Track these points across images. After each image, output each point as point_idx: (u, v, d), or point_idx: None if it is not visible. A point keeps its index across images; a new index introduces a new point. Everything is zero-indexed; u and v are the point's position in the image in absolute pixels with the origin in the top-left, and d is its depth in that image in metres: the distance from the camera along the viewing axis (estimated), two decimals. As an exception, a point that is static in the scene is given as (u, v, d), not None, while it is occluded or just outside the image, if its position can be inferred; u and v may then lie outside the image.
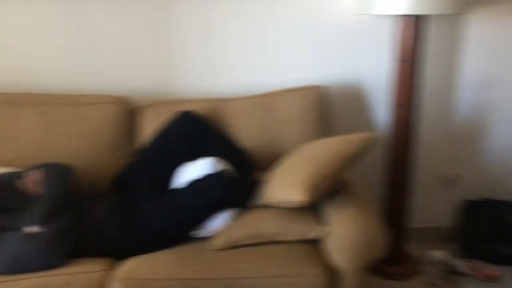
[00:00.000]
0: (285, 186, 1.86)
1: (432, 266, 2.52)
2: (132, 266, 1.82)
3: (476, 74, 2.55)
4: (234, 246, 1.87)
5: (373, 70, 2.51)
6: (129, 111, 2.30)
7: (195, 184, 1.94)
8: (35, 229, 1.81)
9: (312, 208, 1.94)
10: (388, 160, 2.42)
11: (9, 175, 2.06)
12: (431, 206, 2.75)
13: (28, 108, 2.24)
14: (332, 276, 1.76)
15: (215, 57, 2.47)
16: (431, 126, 2.62)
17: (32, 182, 1.99)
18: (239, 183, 2.02)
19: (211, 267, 1.77)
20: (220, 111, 2.30)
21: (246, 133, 2.27)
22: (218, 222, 1.95)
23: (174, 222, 1.93)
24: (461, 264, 2.48)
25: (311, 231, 1.86)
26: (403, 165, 2.37)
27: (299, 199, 1.77)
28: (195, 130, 2.15)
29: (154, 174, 2.15)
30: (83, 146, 2.23)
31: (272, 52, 2.47)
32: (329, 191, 1.88)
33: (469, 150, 2.67)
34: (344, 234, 1.77)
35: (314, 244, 1.89)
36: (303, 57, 2.48)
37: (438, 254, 2.57)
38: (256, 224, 1.90)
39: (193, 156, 2.13)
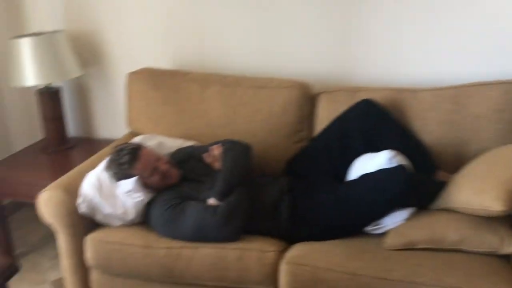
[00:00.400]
0: (477, 192, 1.68)
1: None
2: (300, 251, 1.82)
3: None
4: (410, 248, 1.75)
5: None
6: (309, 96, 2.28)
7: (374, 178, 1.86)
8: (215, 202, 1.91)
9: (508, 219, 1.72)
10: None
11: (198, 148, 2.21)
12: None
13: (214, 87, 2.36)
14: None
15: (401, 44, 2.32)
16: None
17: (214, 156, 2.11)
18: (422, 181, 1.88)
19: (384, 266, 1.69)
20: (402, 102, 2.16)
21: (429, 127, 2.10)
22: (393, 220, 1.84)
23: (348, 214, 1.88)
24: None
25: (508, 246, 1.65)
26: None
27: (497, 209, 1.58)
28: (374, 120, 2.05)
29: (327, 162, 2.12)
30: (261, 127, 2.29)
31: (466, 40, 2.23)
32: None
33: None
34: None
35: (504, 259, 1.68)
36: (502, 48, 2.20)
37: None
38: (439, 228, 1.75)
39: (369, 147, 2.04)
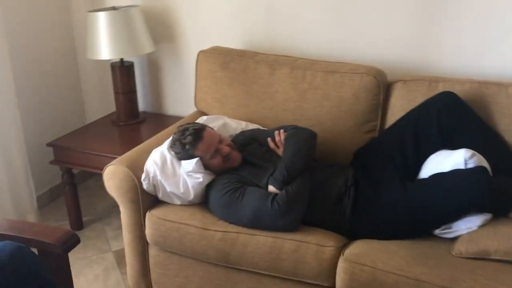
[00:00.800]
0: None
1: None
2: (361, 249, 1.72)
3: None
4: (483, 258, 1.60)
5: None
6: (383, 84, 2.15)
7: (449, 178, 1.72)
8: (274, 189, 1.85)
9: None
10: None
11: (262, 132, 2.16)
12: None
13: (283, 70, 2.28)
14: None
15: (491, 32, 2.11)
16: None
17: (278, 142, 2.05)
18: (502, 186, 1.72)
19: (450, 275, 1.56)
20: (487, 96, 1.98)
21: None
22: (467, 225, 1.70)
23: (417, 215, 1.76)
24: None
25: None
26: None
27: None
28: (455, 114, 1.89)
29: (398, 156, 1.99)
30: (329, 114, 2.19)
31: None
32: None
33: None
34: None
35: None
36: None
37: None
38: (516, 239, 1.59)
39: (445, 144, 1.89)
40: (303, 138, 1.98)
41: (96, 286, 2.37)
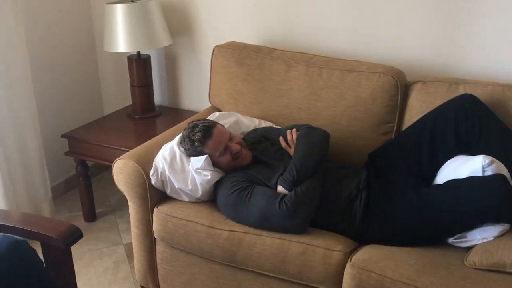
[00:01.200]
0: None
1: None
2: (369, 255, 1.67)
3: None
4: (498, 271, 1.53)
5: None
6: (401, 85, 2.07)
7: (466, 185, 1.65)
8: (283, 190, 1.81)
9: None
10: None
11: (275, 130, 2.11)
12: None
13: (299, 67, 2.23)
14: None
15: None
16: None
17: (289, 141, 2.00)
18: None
19: (462, 286, 1.49)
20: (511, 101, 1.88)
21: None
22: (482, 235, 1.63)
23: (431, 222, 1.70)
24: None
25: None
26: None
27: None
28: (475, 119, 1.81)
29: (413, 160, 1.93)
30: (345, 114, 2.13)
31: None
32: None
33: None
34: None
35: None
36: None
37: None
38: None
39: (463, 149, 1.82)
40: (315, 138, 1.93)
41: (106, 278, 2.37)
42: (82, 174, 2.67)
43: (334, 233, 1.79)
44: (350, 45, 2.33)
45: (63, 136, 2.64)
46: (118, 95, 3.06)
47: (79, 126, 2.72)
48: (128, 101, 2.89)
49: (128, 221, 2.70)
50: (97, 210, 2.81)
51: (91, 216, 2.77)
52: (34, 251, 1.41)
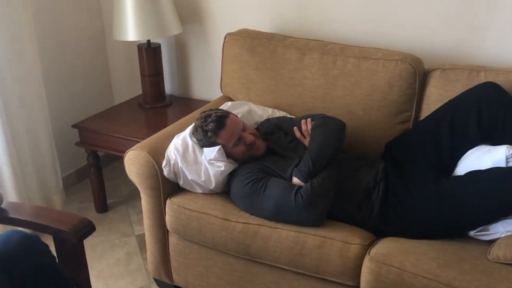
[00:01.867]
0: None
1: None
2: (388, 248, 1.63)
3: None
4: (521, 265, 1.48)
5: None
6: (419, 72, 2.00)
7: (490, 176, 1.60)
8: (299, 182, 1.76)
9: None
10: None
11: (289, 120, 2.06)
12: None
13: (313, 54, 2.17)
14: None
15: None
16: None
17: (304, 131, 1.95)
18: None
19: (485, 282, 1.45)
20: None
21: None
22: (506, 228, 1.58)
23: (452, 214, 1.64)
24: None
25: None
26: None
27: None
28: (498, 107, 1.74)
29: (432, 150, 1.87)
30: (360, 103, 2.07)
31: None
32: None
33: None
34: None
35: None
36: None
37: None
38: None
39: (485, 138, 1.75)
40: (331, 128, 1.88)
41: (118, 270, 2.35)
42: (93, 164, 2.65)
43: (351, 225, 1.74)
44: (366, 31, 2.26)
45: (73, 126, 2.61)
46: (128, 85, 3.02)
47: (89, 116, 2.69)
48: (139, 91, 2.86)
49: (140, 212, 2.68)
50: (109, 201, 2.79)
51: (102, 207, 2.75)
52: (46, 246, 1.39)
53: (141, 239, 2.52)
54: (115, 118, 2.68)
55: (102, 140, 2.54)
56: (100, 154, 2.69)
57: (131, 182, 2.02)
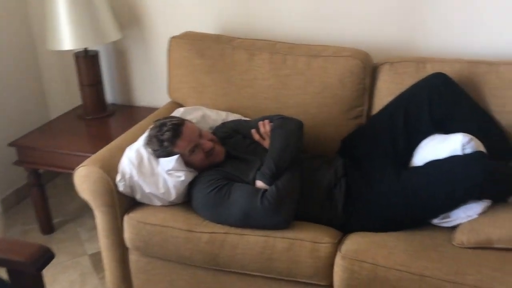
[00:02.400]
0: None
1: None
2: (358, 244, 1.63)
3: None
4: (486, 248, 1.54)
5: None
6: (369, 67, 2.04)
7: (447, 165, 1.64)
8: (263, 185, 1.73)
9: None
10: None
11: (245, 123, 2.03)
12: None
13: (263, 55, 2.14)
14: None
15: (481, 7, 2.02)
16: None
17: (263, 133, 1.93)
18: (501, 170, 1.65)
19: (455, 268, 1.49)
20: (477, 76, 1.90)
21: (509, 107, 1.84)
22: (466, 213, 1.63)
23: (414, 205, 1.68)
24: None
25: None
26: None
27: None
28: (447, 97, 1.80)
29: (388, 143, 1.90)
30: (313, 101, 2.07)
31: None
32: None
33: None
34: None
35: None
36: None
37: None
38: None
39: (438, 128, 1.81)
40: (290, 128, 1.86)
41: (73, 293, 2.22)
42: (35, 184, 2.48)
43: (318, 224, 1.73)
44: (313, 29, 2.26)
45: (10, 144, 2.42)
46: (65, 96, 2.85)
47: (26, 132, 2.51)
48: (77, 102, 2.70)
49: (90, 229, 2.56)
50: (54, 221, 2.62)
51: (48, 227, 2.58)
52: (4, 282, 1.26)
53: (94, 258, 2.39)
54: (54, 132, 2.52)
55: (43, 157, 2.38)
56: (41, 171, 2.52)
57: (77, 198, 1.90)
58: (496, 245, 1.53)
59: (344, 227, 1.75)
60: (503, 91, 1.84)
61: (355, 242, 1.64)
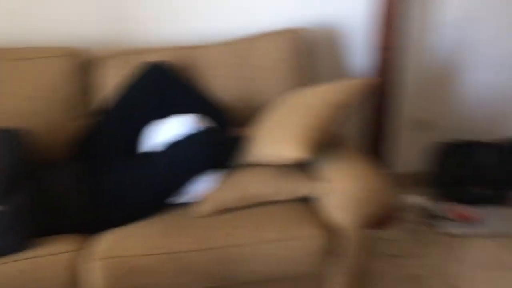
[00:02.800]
0: (276, 142, 1.68)
1: (410, 211, 2.48)
2: (110, 242, 1.59)
3: (457, 11, 2.42)
4: (223, 211, 1.69)
5: (352, 11, 2.31)
6: (83, 64, 1.98)
7: (173, 145, 1.72)
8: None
9: (301, 164, 1.77)
10: (368, 105, 2.29)
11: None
12: (407, 150, 2.67)
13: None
14: (331, 235, 1.63)
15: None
16: (412, 67, 2.49)
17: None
18: (222, 141, 1.81)
19: (202, 236, 1.59)
20: (189, 61, 2.04)
21: (219, 85, 2.04)
22: (201, 186, 1.75)
23: (151, 189, 1.72)
24: (439, 208, 2.46)
25: (304, 188, 1.71)
26: (383, 110, 2.26)
27: (295, 156, 1.60)
28: (164, 83, 1.89)
29: (120, 136, 1.90)
30: (29, 108, 1.90)
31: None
32: (322, 144, 1.72)
33: (447, 91, 2.58)
34: (345, 190, 1.63)
35: (307, 203, 1.74)
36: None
37: (415, 199, 2.54)
38: (244, 185, 1.72)
39: (163, 113, 1.89)
40: (7, 141, 1.68)
41: None
42: None
43: (66, 234, 1.63)
44: (15, 30, 2.07)
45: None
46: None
47: None
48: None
49: None
50: None
51: None
52: None
53: None
54: None
55: None
56: None
57: None
58: (230, 207, 1.69)
59: (95, 229, 1.68)
60: (209, 70, 2.03)
61: (105, 241, 1.59)
